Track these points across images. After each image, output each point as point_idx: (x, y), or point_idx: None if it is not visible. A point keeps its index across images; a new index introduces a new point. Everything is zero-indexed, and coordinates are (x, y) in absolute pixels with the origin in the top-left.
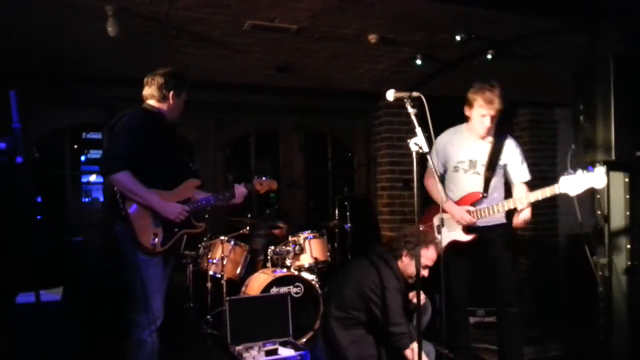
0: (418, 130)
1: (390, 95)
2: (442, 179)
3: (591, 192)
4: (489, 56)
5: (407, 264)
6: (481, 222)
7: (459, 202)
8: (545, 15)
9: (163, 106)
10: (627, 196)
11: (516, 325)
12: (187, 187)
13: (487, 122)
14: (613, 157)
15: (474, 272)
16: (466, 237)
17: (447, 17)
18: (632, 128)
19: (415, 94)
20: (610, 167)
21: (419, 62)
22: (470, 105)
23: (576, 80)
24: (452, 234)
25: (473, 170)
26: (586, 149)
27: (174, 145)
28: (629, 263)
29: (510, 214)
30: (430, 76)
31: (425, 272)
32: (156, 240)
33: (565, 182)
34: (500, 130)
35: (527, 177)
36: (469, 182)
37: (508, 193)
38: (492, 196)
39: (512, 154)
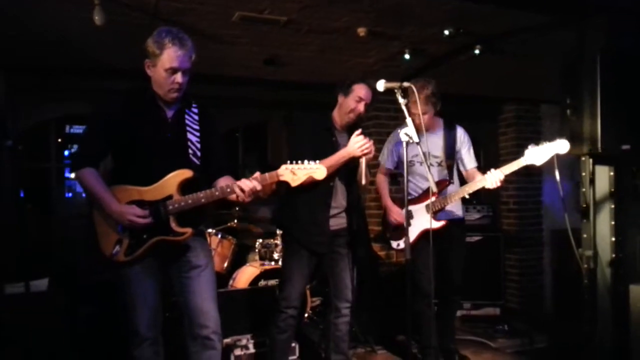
0: (408, 120)
1: (381, 85)
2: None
3: (577, 186)
4: (477, 51)
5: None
6: (445, 217)
7: (427, 194)
8: (533, 10)
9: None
10: (612, 189)
11: (455, 311)
12: (168, 182)
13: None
14: (599, 150)
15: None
16: (436, 224)
17: (436, 11)
18: (618, 122)
19: (405, 84)
20: (596, 160)
21: (407, 56)
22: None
23: (564, 74)
24: (421, 223)
25: (428, 162)
26: (573, 142)
27: (160, 128)
28: (614, 255)
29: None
30: (419, 71)
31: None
32: (117, 247)
33: (531, 153)
34: (448, 120)
35: (475, 163)
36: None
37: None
38: (456, 184)
39: (463, 141)
